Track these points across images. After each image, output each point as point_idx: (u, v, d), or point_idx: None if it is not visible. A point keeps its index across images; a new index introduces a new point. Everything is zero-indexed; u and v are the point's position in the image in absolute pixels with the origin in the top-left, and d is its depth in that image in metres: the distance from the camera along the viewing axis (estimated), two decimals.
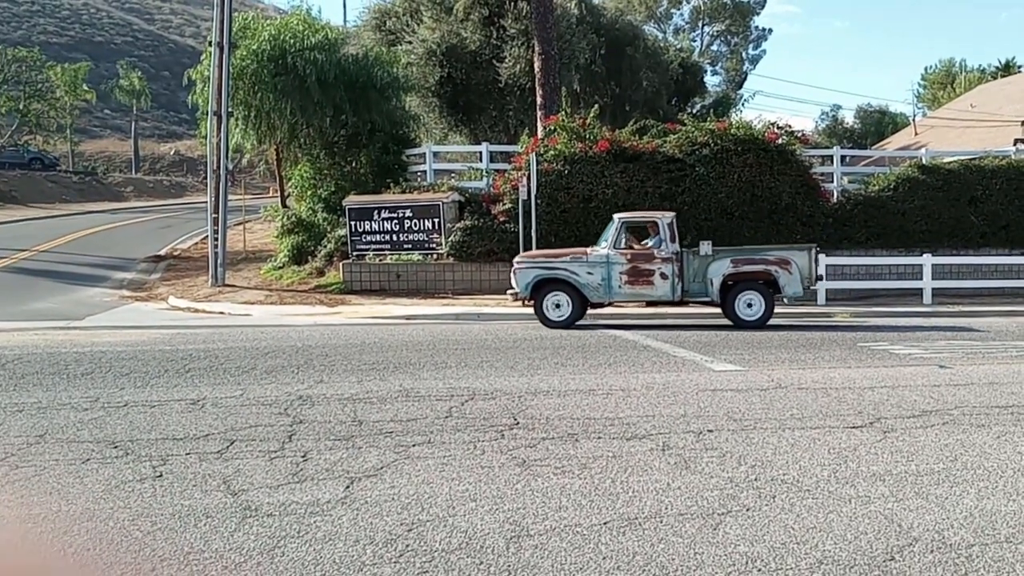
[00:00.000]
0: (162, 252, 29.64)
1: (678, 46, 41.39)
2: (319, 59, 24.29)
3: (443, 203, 21.43)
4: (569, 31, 27.90)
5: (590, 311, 16.06)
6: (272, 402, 8.45)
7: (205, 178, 36.36)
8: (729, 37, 58.35)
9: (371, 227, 21.76)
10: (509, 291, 16.14)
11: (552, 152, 21.20)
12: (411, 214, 21.56)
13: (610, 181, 20.89)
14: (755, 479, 5.86)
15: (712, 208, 21.03)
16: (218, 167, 23.01)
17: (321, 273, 22.63)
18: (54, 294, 21.63)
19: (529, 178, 19.08)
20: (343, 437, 7.04)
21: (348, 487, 5.71)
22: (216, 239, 22.71)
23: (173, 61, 75.36)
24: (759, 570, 4.36)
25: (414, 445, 6.78)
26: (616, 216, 15.89)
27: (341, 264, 21.86)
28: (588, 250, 15.70)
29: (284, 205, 28.87)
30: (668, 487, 5.69)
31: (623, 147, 21.23)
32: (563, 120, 22.05)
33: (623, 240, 15.36)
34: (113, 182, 57.56)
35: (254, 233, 30.28)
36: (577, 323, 15.51)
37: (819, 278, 15.99)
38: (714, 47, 58.25)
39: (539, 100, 25.41)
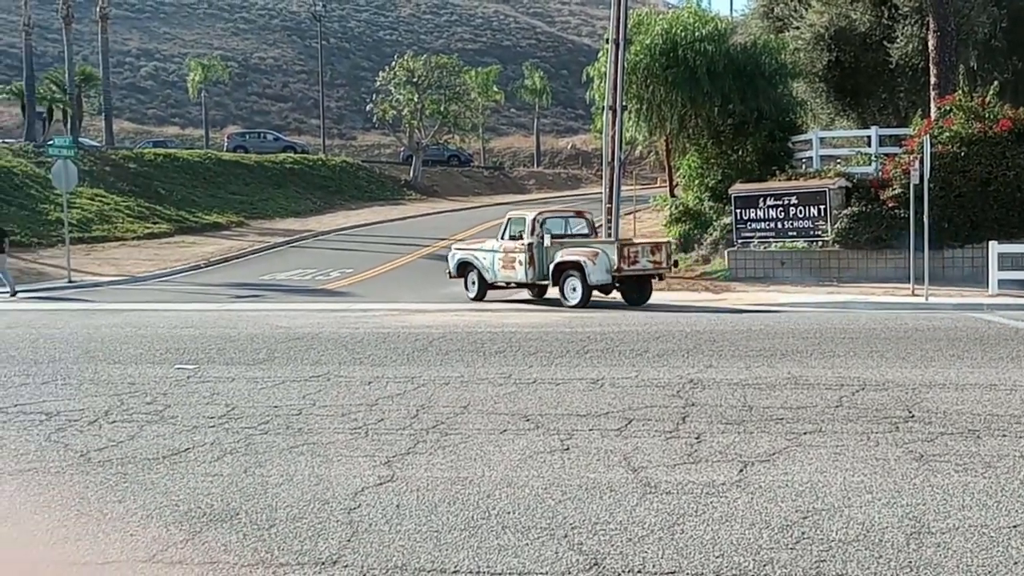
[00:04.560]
0: None
1: None
2: (708, 50, 24.52)
3: (829, 189, 20.99)
4: (967, 5, 25.62)
5: None
6: (665, 384, 8.86)
7: (598, 170, 37.91)
8: None
9: (756, 215, 21.82)
10: (447, 270, 20.10)
11: (947, 134, 20.03)
12: (796, 201, 21.41)
13: (1012, 163, 19.45)
14: None
15: None
16: (613, 159, 23.95)
17: (706, 260, 23.01)
18: None
19: (921, 161, 17.96)
20: (734, 421, 7.27)
21: (742, 471, 5.93)
22: (610, 228, 23.74)
23: (571, 60, 79.23)
24: None
25: (805, 433, 6.85)
26: (508, 213, 19.88)
27: (726, 252, 22.15)
28: (488, 241, 19.45)
29: (672, 194, 29.48)
30: None
31: None
32: (960, 99, 20.65)
33: (508, 233, 18.49)
34: (517, 175, 61.93)
35: (643, 222, 31.19)
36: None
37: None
38: None
39: (932, 80, 23.76)
